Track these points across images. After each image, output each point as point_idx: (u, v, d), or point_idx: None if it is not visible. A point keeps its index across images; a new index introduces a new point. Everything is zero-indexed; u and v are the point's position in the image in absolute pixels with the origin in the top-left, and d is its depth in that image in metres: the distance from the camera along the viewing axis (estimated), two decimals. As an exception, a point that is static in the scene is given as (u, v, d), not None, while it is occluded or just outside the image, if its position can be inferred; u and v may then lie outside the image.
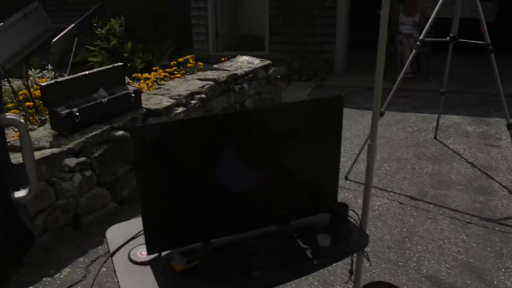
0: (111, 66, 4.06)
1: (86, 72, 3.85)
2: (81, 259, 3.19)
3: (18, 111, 4.60)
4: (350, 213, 1.81)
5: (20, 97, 4.80)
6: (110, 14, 8.95)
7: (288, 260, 1.49)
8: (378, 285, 1.69)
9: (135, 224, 1.72)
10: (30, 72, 6.65)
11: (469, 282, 2.74)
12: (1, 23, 9.39)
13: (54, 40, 8.50)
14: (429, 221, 3.44)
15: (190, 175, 1.47)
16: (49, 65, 7.62)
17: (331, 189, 1.72)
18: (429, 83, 7.18)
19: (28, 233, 1.99)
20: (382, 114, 4.00)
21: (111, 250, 1.59)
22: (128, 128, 2.06)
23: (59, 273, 3.02)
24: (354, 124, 5.54)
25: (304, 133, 1.60)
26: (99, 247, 3.26)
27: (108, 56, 8.44)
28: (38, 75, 6.59)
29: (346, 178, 4.19)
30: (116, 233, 1.69)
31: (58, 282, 2.93)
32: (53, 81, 3.60)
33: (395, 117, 5.81)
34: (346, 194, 3.86)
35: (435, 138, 5.09)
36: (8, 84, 4.81)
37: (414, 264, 2.93)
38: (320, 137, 1.63)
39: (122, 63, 4.12)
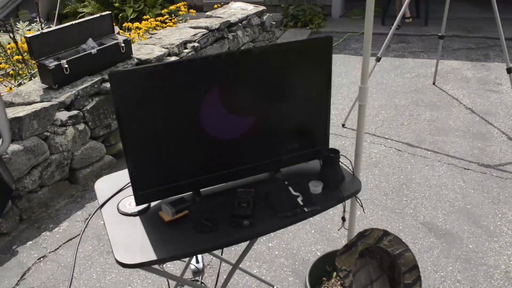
0: (98, 15, 3.92)
1: (73, 22, 3.72)
2: (79, 212, 3.20)
3: (7, 65, 4.50)
4: (343, 159, 1.77)
5: (9, 51, 4.68)
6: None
7: (279, 208, 1.47)
8: (373, 232, 1.68)
9: (124, 176, 1.69)
10: (18, 25, 6.46)
11: (465, 228, 2.75)
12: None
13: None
14: (426, 167, 3.43)
15: (175, 123, 1.42)
16: (38, 17, 7.41)
17: (323, 134, 1.67)
18: (429, 28, 7.00)
19: (6, 186, 1.96)
20: (378, 59, 3.90)
21: (100, 202, 1.57)
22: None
23: (58, 227, 3.04)
24: (352, 70, 5.43)
25: (292, 76, 1.53)
26: (96, 200, 3.26)
27: (98, 6, 8.19)
28: (27, 28, 6.41)
29: (343, 125, 4.14)
30: (105, 185, 1.66)
31: (57, 236, 2.95)
32: (39, 33, 3.47)
33: (393, 63, 5.69)
34: (343, 142, 3.83)
35: (433, 84, 5.01)
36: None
37: (411, 211, 2.93)
38: (309, 80, 1.56)
39: (109, 12, 3.97)
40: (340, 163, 1.64)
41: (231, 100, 1.47)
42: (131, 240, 1.39)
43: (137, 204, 1.49)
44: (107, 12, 3.99)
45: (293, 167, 1.71)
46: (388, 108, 4.48)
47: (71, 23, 3.72)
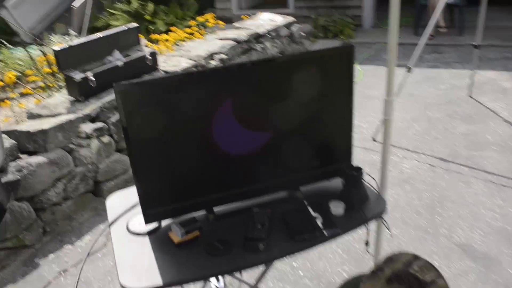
0: (125, 27, 3.92)
1: (100, 35, 3.73)
2: (102, 226, 3.16)
3: (38, 78, 4.57)
4: (368, 177, 1.65)
5: (41, 64, 4.76)
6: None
7: (297, 230, 1.36)
8: (401, 257, 1.54)
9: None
10: (52, 38, 6.60)
11: (505, 250, 2.56)
12: (24, -9, 9.33)
13: (73, 4, 8.40)
14: (462, 184, 3.24)
15: (186, 137, 1.35)
16: (72, 31, 7.57)
17: (346, 150, 1.56)
18: (463, 38, 6.75)
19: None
20: (409, 70, 3.75)
21: (109, 220, 1.50)
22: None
23: (80, 241, 3.01)
24: (383, 82, 5.24)
25: (312, 87, 1.43)
26: (118, 213, 3.23)
27: (130, 19, 8.31)
28: (61, 41, 6.54)
29: (374, 139, 3.99)
30: (117, 202, 1.60)
31: (79, 250, 2.92)
32: (66, 46, 3.50)
33: (426, 74, 5.49)
34: (374, 157, 3.68)
35: (469, 95, 4.79)
36: (26, 51, 4.76)
37: (445, 231, 2.76)
38: (331, 91, 1.46)
39: (136, 24, 3.98)
40: (364, 181, 1.53)
41: (246, 113, 1.39)
42: (138, 262, 1.32)
43: (146, 223, 1.42)
44: (134, 24, 4.00)
45: (314, 185, 1.61)
46: (420, 121, 4.30)
47: (97, 35, 3.74)
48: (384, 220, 1.55)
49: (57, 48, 3.45)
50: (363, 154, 3.72)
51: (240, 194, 1.49)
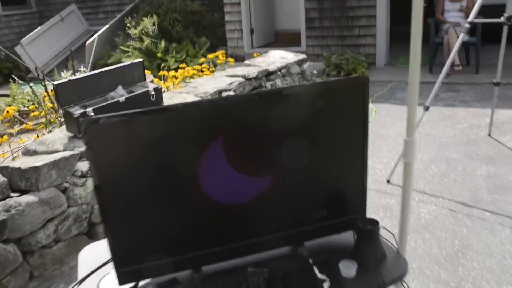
0: (129, 62, 3.81)
1: (103, 69, 3.62)
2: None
3: (41, 113, 4.46)
4: (385, 231, 1.41)
5: (46, 99, 4.66)
6: (144, 14, 8.84)
7: (300, 297, 1.13)
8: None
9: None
10: (63, 74, 6.57)
11: (537, 308, 2.26)
12: (40, 27, 9.47)
13: (87, 42, 8.47)
14: (485, 231, 2.96)
15: (168, 182, 1.14)
16: (82, 67, 7.56)
17: (358, 199, 1.34)
18: (480, 76, 6.57)
19: None
20: (427, 109, 3.54)
21: (79, 277, 1.29)
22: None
23: None
24: (398, 121, 5.06)
25: (319, 124, 1.23)
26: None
27: (142, 56, 8.31)
28: (71, 77, 6.52)
29: (388, 181, 3.75)
30: (91, 255, 1.38)
31: (65, 298, 2.68)
32: (66, 80, 3.38)
33: (442, 113, 5.28)
34: (388, 201, 3.43)
35: (489, 135, 4.54)
36: (30, 87, 4.67)
37: (470, 285, 2.47)
38: (342, 128, 1.26)
39: (141, 60, 3.86)
40: (380, 236, 1.30)
41: (240, 154, 1.18)
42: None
43: (120, 283, 1.19)
44: (139, 60, 3.89)
45: (321, 240, 1.37)
46: (438, 162, 4.05)
47: (100, 70, 3.62)
48: (405, 283, 1.31)
49: (56, 82, 3.32)
50: (377, 198, 3.47)
51: (233, 250, 1.26)
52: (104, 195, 1.10)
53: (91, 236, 3.26)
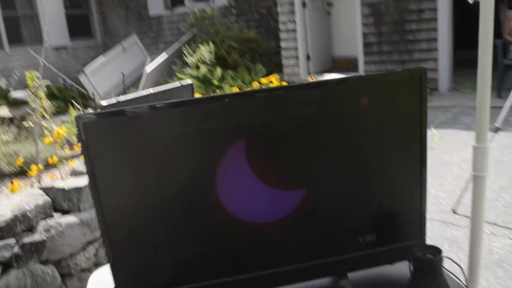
0: (178, 84, 3.75)
1: (151, 90, 3.58)
2: (133, 297, 2.79)
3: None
4: (449, 263, 1.14)
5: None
6: (200, 42, 8.99)
7: None
8: None
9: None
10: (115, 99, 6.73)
11: None
12: (102, 56, 9.89)
13: (145, 68, 8.71)
14: None
15: (180, 195, 0.97)
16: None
17: (415, 222, 1.10)
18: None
19: None
20: (496, 130, 3.20)
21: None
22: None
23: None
24: (463, 147, 4.66)
25: (365, 128, 1.02)
26: None
27: (198, 83, 8.41)
28: (120, 99, 6.67)
29: (454, 211, 3.39)
30: (102, 278, 1.22)
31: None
32: (114, 101, 3.35)
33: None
34: (454, 232, 3.08)
35: None
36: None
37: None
38: (393, 134, 1.04)
39: (190, 82, 3.80)
40: (443, 268, 1.04)
41: (265, 162, 0.99)
42: None
43: (127, 313, 1.02)
44: (188, 81, 3.83)
45: (369, 272, 1.13)
46: (510, 191, 3.63)
47: (148, 91, 3.59)
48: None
49: (104, 103, 3.31)
50: (442, 229, 3.12)
51: (258, 280, 1.04)
52: (105, 210, 0.95)
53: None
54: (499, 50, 6.48)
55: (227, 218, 0.99)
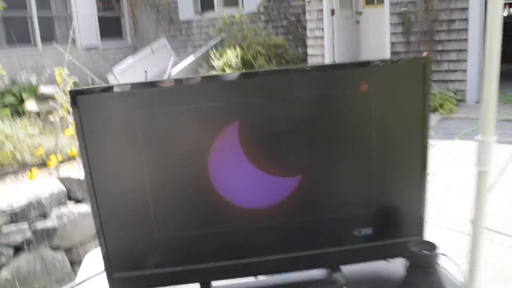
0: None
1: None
2: None
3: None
4: (448, 262, 1.09)
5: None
6: (228, 46, 9.04)
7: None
8: None
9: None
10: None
11: None
12: (131, 57, 10.05)
13: (171, 70, 8.80)
14: None
15: (172, 177, 0.96)
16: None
17: (414, 218, 1.06)
18: None
19: None
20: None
21: (76, 281, 1.13)
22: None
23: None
24: (488, 161, 4.52)
25: (362, 116, 0.98)
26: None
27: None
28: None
29: (472, 221, 3.28)
30: (97, 258, 1.22)
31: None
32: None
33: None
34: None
35: None
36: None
37: None
38: (392, 127, 1.00)
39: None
40: (440, 267, 0.99)
41: (260, 147, 0.97)
42: None
43: (114, 292, 1.01)
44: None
45: (363, 266, 1.09)
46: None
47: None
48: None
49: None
50: (454, 238, 3.03)
51: (250, 266, 1.02)
52: (96, 183, 0.95)
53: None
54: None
55: (218, 201, 0.97)
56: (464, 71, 7.02)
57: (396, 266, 1.04)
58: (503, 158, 3.34)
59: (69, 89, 4.47)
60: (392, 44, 7.58)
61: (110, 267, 0.99)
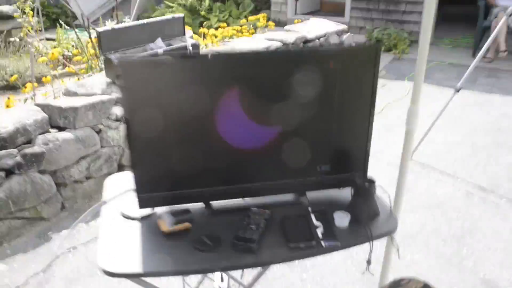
0: (171, 16, 3.93)
1: (145, 21, 3.75)
2: (119, 209, 3.15)
3: (81, 58, 4.67)
4: (383, 192, 1.51)
5: (89, 45, 4.86)
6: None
7: (293, 238, 1.26)
8: (410, 284, 1.40)
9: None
10: (107, 24, 6.76)
11: (534, 293, 2.34)
12: (90, -24, 9.64)
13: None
14: (497, 217, 3.00)
15: (187, 123, 1.28)
16: (127, 18, 7.73)
17: (361, 158, 1.44)
18: (526, 65, 6.37)
19: None
20: (457, 90, 3.55)
21: (103, 199, 1.46)
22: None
23: (95, 221, 3.00)
24: (431, 102, 5.01)
25: (328, 86, 1.33)
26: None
27: (185, 12, 8.41)
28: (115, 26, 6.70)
29: (410, 158, 3.79)
30: (115, 182, 1.55)
31: (91, 229, 2.91)
32: (109, 28, 3.53)
33: (477, 98, 5.20)
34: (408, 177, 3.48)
35: (522, 125, 4.48)
36: (75, 33, 4.88)
37: (471, 264, 2.55)
38: (350, 93, 1.35)
39: (182, 15, 3.97)
40: (376, 195, 1.40)
41: (253, 104, 1.30)
42: (123, 246, 1.25)
43: (140, 207, 1.35)
44: (180, 15, 4.00)
45: (322, 193, 1.49)
46: (463, 146, 4.05)
47: (142, 21, 3.76)
48: (394, 239, 1.42)
49: (100, 29, 3.49)
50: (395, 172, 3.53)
51: (241, 190, 1.40)
52: (131, 127, 1.25)
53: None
54: (480, 11, 6.72)
55: (221, 142, 1.32)
56: (420, 13, 7.37)
57: (345, 193, 1.44)
58: (443, 102, 3.78)
59: (28, 8, 4.47)
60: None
61: (139, 189, 1.32)
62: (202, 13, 8.49)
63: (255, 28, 6.12)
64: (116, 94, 3.38)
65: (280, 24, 8.07)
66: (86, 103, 3.12)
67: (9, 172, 2.75)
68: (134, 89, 1.22)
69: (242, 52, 1.24)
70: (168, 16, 3.96)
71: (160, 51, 3.69)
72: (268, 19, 6.62)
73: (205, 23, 8.29)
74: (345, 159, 1.45)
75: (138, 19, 8.93)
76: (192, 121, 1.28)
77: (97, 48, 4.52)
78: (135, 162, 1.28)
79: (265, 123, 1.33)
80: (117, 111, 3.34)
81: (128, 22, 6.46)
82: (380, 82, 1.34)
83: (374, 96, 1.37)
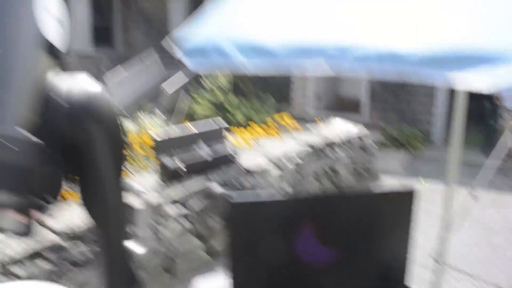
0: (218, 127, 4.45)
1: (195, 131, 4.27)
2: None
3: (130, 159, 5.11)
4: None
5: (137, 146, 5.32)
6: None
7: None
8: None
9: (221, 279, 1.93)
10: (140, 115, 7.34)
11: None
12: (122, 71, 10.45)
13: (163, 86, 9.22)
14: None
15: (278, 249, 1.70)
16: (157, 110, 8.30)
17: (402, 279, 1.86)
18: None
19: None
20: (475, 198, 3.91)
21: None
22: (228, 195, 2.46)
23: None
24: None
25: (372, 221, 1.81)
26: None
27: (213, 108, 9.02)
28: (148, 119, 7.29)
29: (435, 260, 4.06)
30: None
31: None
32: (167, 138, 4.04)
33: (491, 198, 5.52)
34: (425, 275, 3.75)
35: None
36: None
37: None
38: (390, 227, 1.81)
39: (228, 126, 4.51)
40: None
41: (321, 232, 1.75)
42: None
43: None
44: (224, 124, 4.54)
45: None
46: (481, 246, 4.32)
47: (193, 130, 4.28)
48: None
49: (158, 138, 4.00)
50: (423, 273, 3.80)
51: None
52: (235, 254, 1.66)
53: (169, 271, 3.82)
54: (487, 111, 7.21)
55: (297, 260, 1.74)
56: (432, 113, 7.96)
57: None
58: (457, 200, 4.06)
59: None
60: (370, 81, 8.46)
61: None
62: (229, 108, 9.08)
63: (281, 127, 6.62)
64: (170, 196, 3.80)
65: (298, 117, 8.64)
66: (147, 203, 3.54)
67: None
68: (241, 227, 1.65)
69: (323, 195, 1.74)
70: (214, 125, 4.48)
71: (208, 158, 4.15)
72: (292, 118, 7.14)
73: (229, 116, 8.82)
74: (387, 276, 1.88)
75: (167, 110, 9.52)
76: (281, 248, 1.71)
77: (144, 148, 5.00)
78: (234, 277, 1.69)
79: (327, 246, 1.78)
80: (171, 211, 3.75)
81: (161, 116, 6.99)
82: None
83: (410, 231, 1.81)
